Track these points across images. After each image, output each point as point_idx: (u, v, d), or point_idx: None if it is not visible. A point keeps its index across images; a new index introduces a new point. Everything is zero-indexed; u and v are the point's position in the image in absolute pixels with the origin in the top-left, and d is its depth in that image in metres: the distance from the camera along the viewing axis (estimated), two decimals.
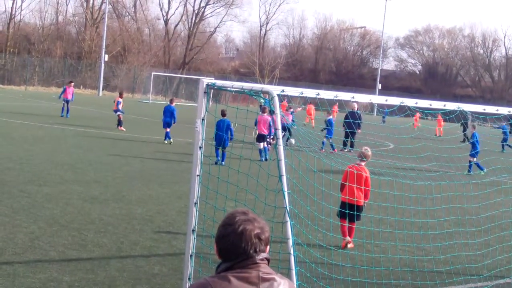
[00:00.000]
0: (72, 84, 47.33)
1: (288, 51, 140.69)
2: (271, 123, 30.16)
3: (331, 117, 36.13)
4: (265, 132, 29.69)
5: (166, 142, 33.17)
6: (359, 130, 37.44)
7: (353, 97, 9.83)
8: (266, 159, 28.86)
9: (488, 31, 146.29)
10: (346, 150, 35.67)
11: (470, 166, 30.46)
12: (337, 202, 14.87)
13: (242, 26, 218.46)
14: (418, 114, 58.34)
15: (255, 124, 30.39)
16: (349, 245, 14.42)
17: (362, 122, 37.48)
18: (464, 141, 53.34)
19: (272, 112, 27.41)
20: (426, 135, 54.12)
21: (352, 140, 36.45)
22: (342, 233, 14.53)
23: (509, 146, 48.63)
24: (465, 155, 25.58)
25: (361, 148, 14.83)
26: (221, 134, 25.57)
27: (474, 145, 30.81)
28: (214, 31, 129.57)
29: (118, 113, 39.30)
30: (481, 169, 30.07)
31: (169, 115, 33.59)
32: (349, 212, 14.03)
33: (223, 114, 26.55)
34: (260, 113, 30.97)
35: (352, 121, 33.89)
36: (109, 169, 23.00)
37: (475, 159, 30.35)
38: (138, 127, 39.26)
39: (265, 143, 29.93)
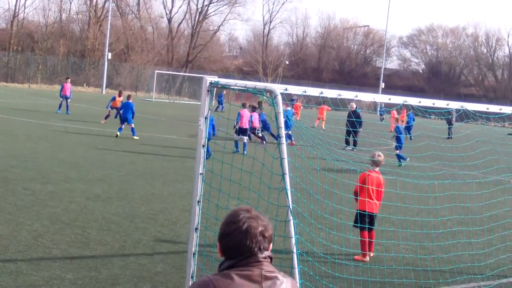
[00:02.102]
0: (69, 80, 47.59)
1: (292, 50, 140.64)
2: (251, 119, 31.73)
3: (289, 108, 37.42)
4: (246, 126, 30.84)
5: (118, 134, 33.58)
6: (361, 129, 37.51)
7: (356, 96, 9.83)
8: (244, 153, 29.36)
9: (492, 30, 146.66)
10: (349, 148, 35.69)
11: (399, 158, 30.81)
12: (340, 200, 14.87)
13: (245, 24, 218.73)
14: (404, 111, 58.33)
15: (238, 120, 30.81)
16: (371, 254, 14.03)
17: (362, 121, 37.56)
18: (448, 137, 53.52)
19: (254, 109, 27.88)
20: (429, 134, 54.05)
21: (355, 139, 36.58)
22: (363, 246, 13.82)
23: (410, 135, 49.47)
24: (469, 154, 25.50)
25: (373, 154, 14.44)
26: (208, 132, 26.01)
27: (398, 138, 31.28)
28: (218, 29, 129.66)
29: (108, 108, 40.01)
30: (400, 160, 30.81)
31: (129, 111, 33.89)
32: (367, 221, 13.71)
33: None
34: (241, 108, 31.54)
35: (355, 120, 33.97)
36: (112, 167, 23.02)
37: (398, 151, 30.79)
38: (141, 125, 39.22)
39: (246, 138, 30.98)
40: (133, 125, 33.63)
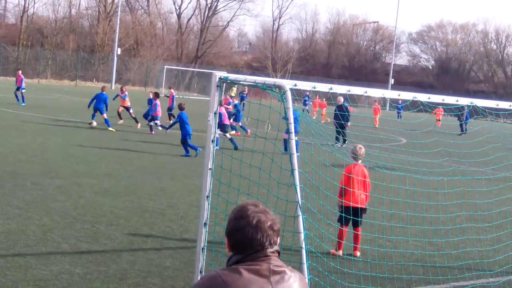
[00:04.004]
0: (19, 72, 47.93)
1: (301, 46, 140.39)
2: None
3: (237, 102, 38.10)
4: (226, 122, 31.21)
5: (93, 123, 34.35)
6: (348, 124, 36.87)
7: (365, 92, 9.82)
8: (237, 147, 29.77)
9: (502, 27, 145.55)
10: (338, 145, 34.67)
11: (285, 144, 30.24)
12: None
13: (254, 20, 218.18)
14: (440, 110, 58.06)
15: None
16: (358, 253, 13.73)
17: (350, 115, 36.94)
18: (461, 133, 53.37)
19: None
20: (438, 130, 53.98)
21: (343, 132, 35.13)
22: (341, 239, 13.65)
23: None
24: (478, 151, 25.50)
25: (355, 146, 14.13)
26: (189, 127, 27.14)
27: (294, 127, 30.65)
28: (227, 25, 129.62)
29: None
30: (286, 149, 30.27)
31: (101, 102, 34.63)
32: (354, 217, 13.51)
33: (182, 108, 27.92)
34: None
35: (340, 113, 33.66)
36: (121, 162, 23.06)
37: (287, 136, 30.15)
38: None
39: (228, 134, 31.05)
40: (105, 116, 34.28)
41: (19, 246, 11.98)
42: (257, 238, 4.00)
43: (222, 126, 30.19)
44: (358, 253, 13.70)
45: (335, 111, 35.71)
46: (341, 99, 36.15)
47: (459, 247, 14.57)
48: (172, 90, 46.64)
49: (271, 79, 9.30)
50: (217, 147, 29.17)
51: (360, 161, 13.91)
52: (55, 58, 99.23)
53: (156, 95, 36.28)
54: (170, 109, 42.98)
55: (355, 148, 13.99)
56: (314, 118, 50.64)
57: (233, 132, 36.78)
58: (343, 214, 13.31)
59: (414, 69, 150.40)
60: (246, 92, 62.61)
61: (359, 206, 13.58)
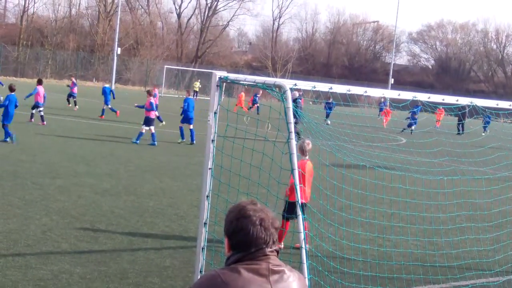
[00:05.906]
0: None
1: (301, 45, 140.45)
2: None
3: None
4: (153, 116, 30.21)
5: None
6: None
7: (365, 92, 9.82)
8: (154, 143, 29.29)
9: (502, 26, 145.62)
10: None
11: (181, 132, 31.00)
12: (349, 196, 14.83)
13: (255, 19, 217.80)
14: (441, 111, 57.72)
15: (152, 109, 30.03)
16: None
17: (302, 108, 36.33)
18: (458, 133, 53.25)
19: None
20: (438, 130, 53.92)
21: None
22: (281, 235, 12.97)
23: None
24: (478, 150, 25.46)
25: (303, 141, 13.68)
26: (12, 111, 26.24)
27: (185, 111, 30.48)
28: (227, 24, 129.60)
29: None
30: (182, 137, 30.81)
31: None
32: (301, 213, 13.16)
33: (13, 89, 26.88)
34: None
35: (295, 108, 33.15)
36: (121, 162, 23.06)
37: (184, 125, 30.79)
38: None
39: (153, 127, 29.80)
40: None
41: (19, 245, 11.98)
42: (262, 237, 4.01)
43: (148, 120, 29.67)
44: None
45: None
46: (296, 93, 35.41)
47: (459, 246, 14.57)
48: (73, 78, 50.26)
49: (271, 79, 9.30)
50: (137, 141, 28.99)
51: (307, 157, 13.65)
52: (55, 58, 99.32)
53: (39, 81, 36.05)
54: (71, 95, 47.47)
55: (303, 143, 13.68)
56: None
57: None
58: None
59: (414, 68, 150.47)
60: (259, 95, 62.13)
61: (305, 201, 13.44)
